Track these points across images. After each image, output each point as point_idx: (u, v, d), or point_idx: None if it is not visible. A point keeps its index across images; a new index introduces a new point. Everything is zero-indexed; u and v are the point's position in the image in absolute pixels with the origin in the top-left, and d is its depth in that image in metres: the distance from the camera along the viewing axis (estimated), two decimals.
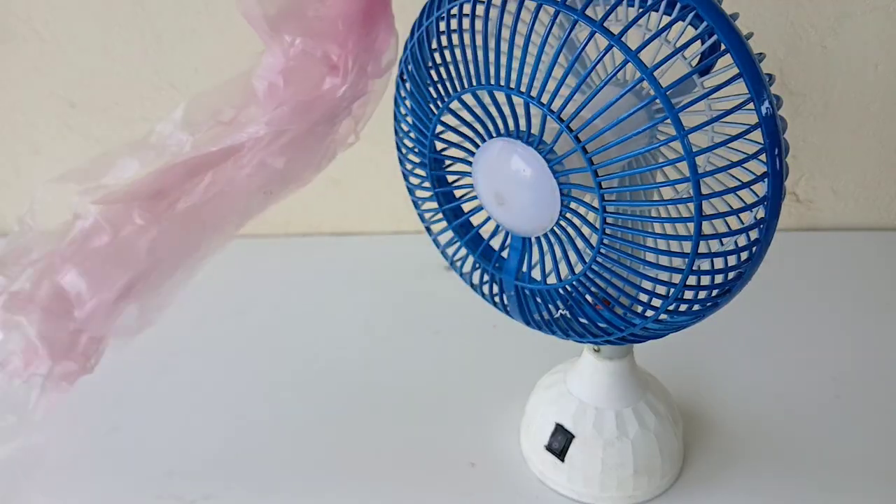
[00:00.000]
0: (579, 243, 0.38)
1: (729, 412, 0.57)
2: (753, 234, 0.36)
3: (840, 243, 0.77)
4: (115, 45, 0.71)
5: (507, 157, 0.38)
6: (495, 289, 0.45)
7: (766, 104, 0.32)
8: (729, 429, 0.55)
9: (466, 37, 0.38)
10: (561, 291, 0.41)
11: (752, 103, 0.32)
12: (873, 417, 0.56)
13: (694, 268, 0.35)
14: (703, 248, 0.35)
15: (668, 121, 0.32)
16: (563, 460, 0.49)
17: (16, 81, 0.73)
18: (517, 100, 0.36)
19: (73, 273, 0.35)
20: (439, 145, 0.43)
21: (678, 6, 0.34)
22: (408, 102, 0.43)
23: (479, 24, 0.37)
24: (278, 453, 0.54)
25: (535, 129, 0.36)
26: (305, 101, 0.34)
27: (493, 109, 0.38)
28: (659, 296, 0.38)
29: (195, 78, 0.72)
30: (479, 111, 0.38)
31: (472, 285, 0.47)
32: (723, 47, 0.33)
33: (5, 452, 0.39)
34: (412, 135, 0.44)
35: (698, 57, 0.37)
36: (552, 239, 0.39)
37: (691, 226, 0.34)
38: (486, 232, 0.44)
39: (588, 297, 0.40)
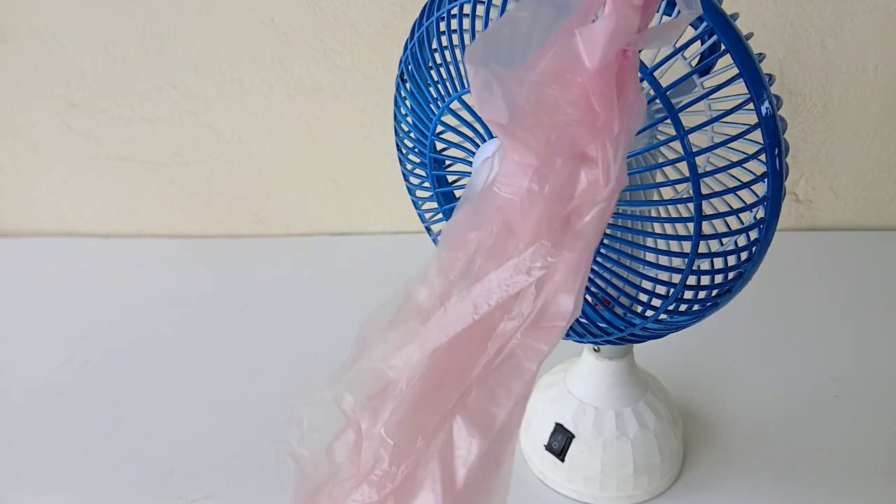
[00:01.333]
0: None
1: (729, 412, 0.57)
2: (753, 234, 0.36)
3: (840, 243, 0.77)
4: (115, 45, 0.71)
5: None
6: None
7: (766, 104, 0.32)
8: (729, 429, 0.55)
9: (467, 37, 0.38)
10: None
11: (751, 103, 0.32)
12: (873, 417, 0.56)
13: (694, 268, 0.35)
14: (703, 248, 0.35)
15: (668, 121, 0.32)
16: (563, 460, 0.49)
17: (16, 81, 0.73)
18: None
19: None
20: (439, 145, 0.43)
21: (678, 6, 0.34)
22: (408, 102, 0.43)
23: (479, 25, 0.37)
24: (278, 453, 0.54)
25: None
26: (561, 214, 0.26)
27: None
28: (659, 296, 0.38)
29: (195, 78, 0.72)
30: None
31: None
32: (723, 47, 0.33)
33: None
34: (412, 135, 0.44)
35: (698, 57, 0.37)
36: None
37: (691, 226, 0.34)
38: None
39: (588, 297, 0.40)
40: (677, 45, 0.34)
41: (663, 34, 0.25)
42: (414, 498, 0.28)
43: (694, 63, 0.37)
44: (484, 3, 0.36)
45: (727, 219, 0.36)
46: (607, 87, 0.24)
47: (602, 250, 0.37)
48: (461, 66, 0.38)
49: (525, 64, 0.24)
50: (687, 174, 0.33)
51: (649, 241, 0.37)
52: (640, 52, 0.24)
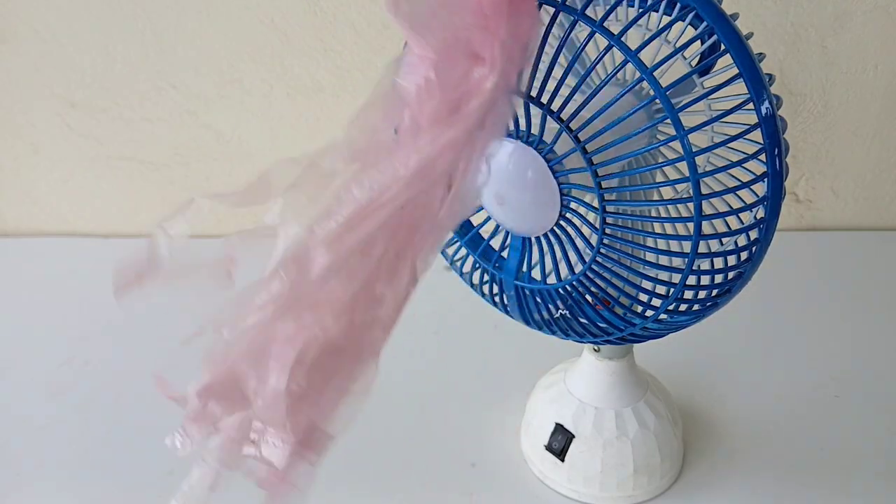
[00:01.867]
0: (579, 243, 0.38)
1: (729, 412, 0.57)
2: (753, 234, 0.36)
3: (840, 243, 0.77)
4: (115, 45, 0.71)
5: (507, 158, 0.38)
6: (495, 289, 0.45)
7: (766, 104, 0.32)
8: (729, 429, 0.55)
9: None
10: (561, 291, 0.40)
11: (751, 103, 0.32)
12: (873, 417, 0.56)
13: (694, 268, 0.35)
14: (703, 248, 0.35)
15: (668, 121, 0.32)
16: (563, 460, 0.49)
17: (16, 81, 0.73)
18: (517, 100, 0.36)
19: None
20: None
21: (678, 6, 0.34)
22: None
23: None
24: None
25: (535, 130, 0.36)
26: (452, 99, 0.30)
27: None
28: (659, 296, 0.38)
29: (195, 78, 0.72)
30: None
31: (472, 285, 0.47)
32: (723, 47, 0.33)
33: None
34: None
35: (698, 57, 0.37)
36: (552, 239, 0.39)
37: (691, 226, 0.34)
38: (486, 232, 0.44)
39: (588, 297, 0.40)
40: (677, 45, 0.34)
41: None
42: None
43: (694, 63, 0.37)
44: None
45: (727, 219, 0.36)
46: None
47: (602, 250, 0.37)
48: None
49: None
50: (687, 174, 0.33)
51: (649, 241, 0.37)
52: None
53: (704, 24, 0.33)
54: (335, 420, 0.34)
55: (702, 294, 0.37)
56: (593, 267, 0.38)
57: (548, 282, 0.41)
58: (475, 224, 0.45)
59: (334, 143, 0.31)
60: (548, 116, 0.35)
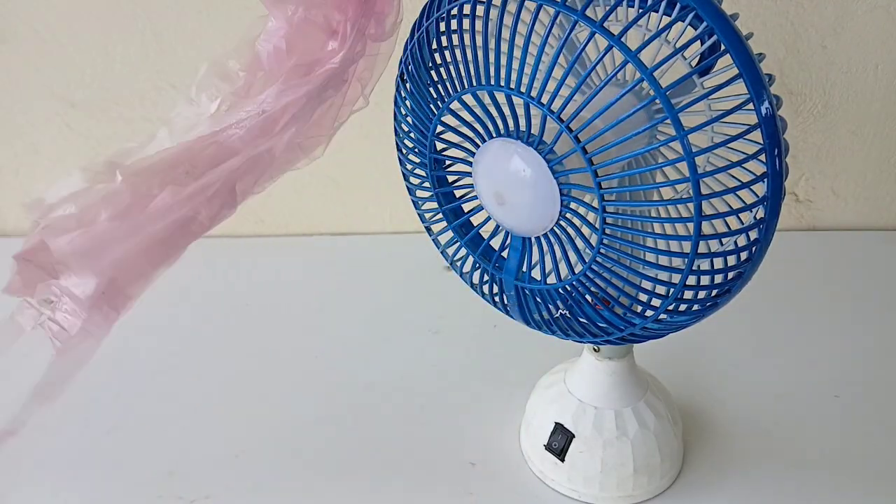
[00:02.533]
0: (579, 243, 0.38)
1: (729, 412, 0.57)
2: (753, 234, 0.36)
3: (840, 243, 0.77)
4: (115, 45, 0.71)
5: (507, 158, 0.38)
6: (495, 289, 0.45)
7: (766, 104, 0.32)
8: (729, 429, 0.55)
9: (466, 37, 0.38)
10: (561, 291, 0.41)
11: (751, 103, 0.32)
12: (873, 417, 0.56)
13: (694, 268, 0.35)
14: (702, 248, 0.35)
15: (668, 121, 0.32)
16: (562, 460, 0.49)
17: (16, 81, 0.73)
18: (517, 100, 0.36)
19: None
20: (439, 145, 0.43)
21: (678, 6, 0.34)
22: (408, 103, 0.43)
23: (479, 25, 0.37)
24: (278, 453, 0.54)
25: (535, 130, 0.36)
26: (305, 64, 0.35)
27: (493, 110, 0.38)
28: (659, 296, 0.38)
29: (195, 78, 0.72)
30: (479, 111, 0.38)
31: (472, 285, 0.47)
32: (723, 47, 0.33)
33: None
34: (412, 135, 0.44)
35: (698, 57, 0.37)
36: (552, 239, 0.39)
37: (691, 226, 0.34)
38: (486, 232, 0.44)
39: (588, 297, 0.40)
40: (677, 46, 0.34)
41: None
42: None
43: (694, 63, 0.37)
44: (484, 3, 0.36)
45: (727, 219, 0.36)
46: None
47: (602, 250, 0.37)
48: (461, 66, 0.38)
49: None
50: (687, 174, 0.33)
51: (649, 242, 0.37)
52: None
53: (704, 24, 0.33)
54: (138, 286, 0.39)
55: (702, 294, 0.37)
56: (593, 267, 0.38)
57: (548, 282, 0.41)
58: (475, 224, 0.45)
59: (200, 74, 0.40)
60: (548, 117, 0.35)
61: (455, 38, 0.38)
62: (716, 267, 0.36)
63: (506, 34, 0.35)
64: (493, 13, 0.36)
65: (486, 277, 0.45)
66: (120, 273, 0.37)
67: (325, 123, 0.41)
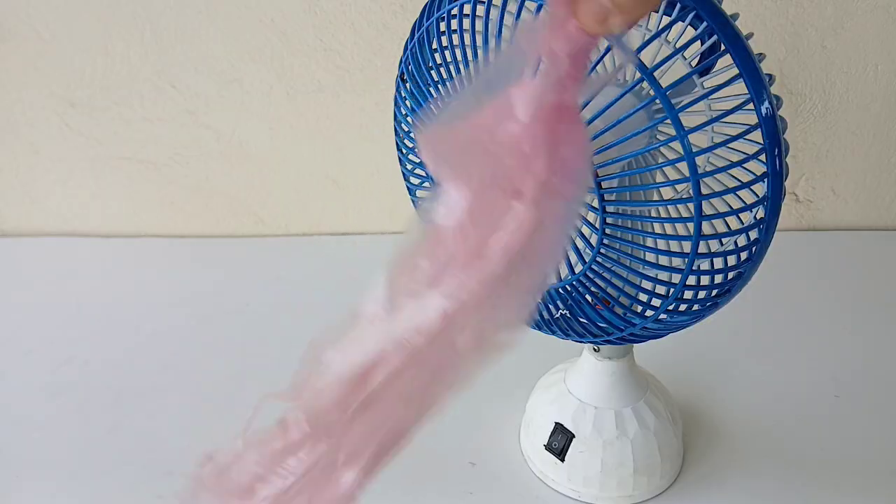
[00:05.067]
0: (579, 243, 0.38)
1: (729, 412, 0.57)
2: (753, 234, 0.36)
3: (840, 243, 0.77)
4: (115, 45, 0.71)
5: None
6: None
7: (766, 104, 0.32)
8: (729, 429, 0.55)
9: (467, 37, 0.38)
10: (561, 291, 0.41)
11: (752, 103, 0.32)
12: (873, 417, 0.56)
13: (694, 268, 0.35)
14: (703, 248, 0.35)
15: (668, 121, 0.32)
16: (562, 460, 0.49)
17: (16, 81, 0.73)
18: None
19: None
20: None
21: (678, 6, 0.34)
22: (408, 103, 0.43)
23: (479, 25, 0.37)
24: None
25: None
26: (489, 233, 0.29)
27: None
28: (659, 296, 0.38)
29: (195, 78, 0.72)
30: None
31: None
32: (723, 47, 0.33)
33: None
34: (412, 135, 0.44)
35: (698, 57, 0.37)
36: None
37: (691, 226, 0.34)
38: None
39: (588, 297, 0.40)
40: (677, 46, 0.34)
41: (594, 83, 0.31)
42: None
43: (694, 63, 0.37)
44: (484, 3, 0.36)
45: (727, 219, 0.36)
46: (541, 135, 0.27)
47: (602, 250, 0.37)
48: (461, 66, 0.38)
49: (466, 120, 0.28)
50: (687, 174, 0.33)
51: (649, 241, 0.37)
52: (579, 102, 0.27)
53: (704, 24, 0.33)
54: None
55: (702, 294, 0.37)
56: (593, 267, 0.38)
57: None
58: None
59: (375, 289, 0.32)
60: None
61: (455, 37, 0.38)
62: (716, 267, 0.36)
63: (506, 34, 0.35)
64: (494, 13, 0.36)
65: None
66: None
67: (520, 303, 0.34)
